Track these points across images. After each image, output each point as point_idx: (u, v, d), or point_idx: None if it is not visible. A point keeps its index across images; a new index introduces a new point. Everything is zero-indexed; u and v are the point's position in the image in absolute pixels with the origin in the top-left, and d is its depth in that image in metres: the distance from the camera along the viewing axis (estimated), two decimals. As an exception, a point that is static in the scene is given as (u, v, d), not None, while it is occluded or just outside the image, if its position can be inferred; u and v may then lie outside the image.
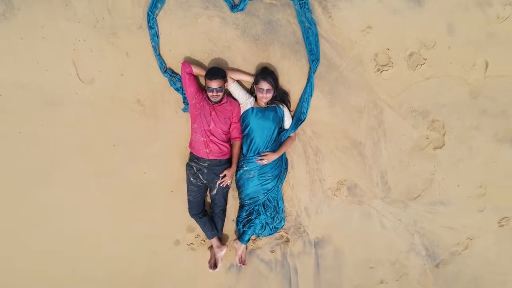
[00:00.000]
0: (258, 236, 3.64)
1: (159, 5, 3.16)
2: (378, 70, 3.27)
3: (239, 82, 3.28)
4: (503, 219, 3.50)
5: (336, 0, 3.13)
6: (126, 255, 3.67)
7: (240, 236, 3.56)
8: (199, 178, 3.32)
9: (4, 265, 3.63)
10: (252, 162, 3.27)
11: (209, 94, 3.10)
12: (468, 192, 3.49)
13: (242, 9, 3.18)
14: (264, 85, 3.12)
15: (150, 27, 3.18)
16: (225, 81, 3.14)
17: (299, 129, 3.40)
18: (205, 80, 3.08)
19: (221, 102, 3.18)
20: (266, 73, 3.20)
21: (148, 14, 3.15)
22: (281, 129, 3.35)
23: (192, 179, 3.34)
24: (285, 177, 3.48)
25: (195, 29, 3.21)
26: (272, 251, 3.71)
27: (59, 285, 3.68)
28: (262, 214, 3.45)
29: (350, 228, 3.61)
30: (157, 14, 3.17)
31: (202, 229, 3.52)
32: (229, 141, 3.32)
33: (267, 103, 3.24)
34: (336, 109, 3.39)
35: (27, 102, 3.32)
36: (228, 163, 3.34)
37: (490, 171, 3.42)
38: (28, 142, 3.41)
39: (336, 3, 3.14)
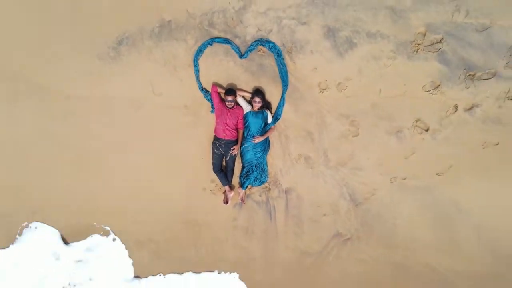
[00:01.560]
0: (252, 185, 6.20)
1: (200, 54, 5.75)
2: (321, 91, 5.83)
3: (243, 97, 5.85)
4: (392, 178, 6.05)
5: (297, 53, 5.69)
6: (172, 196, 6.26)
7: (241, 185, 6.12)
8: (219, 149, 5.89)
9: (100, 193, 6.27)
10: (249, 141, 5.82)
11: (226, 103, 5.67)
12: (373, 162, 6.04)
13: (246, 57, 5.75)
14: (257, 99, 5.68)
15: (194, 65, 5.77)
16: (235, 96, 5.71)
17: (276, 124, 5.95)
18: (224, 95, 5.65)
19: (233, 108, 5.75)
20: (258, 92, 5.76)
21: (194, 59, 5.75)
22: (266, 123, 5.92)
23: (215, 150, 5.91)
24: (268, 151, 6.02)
25: (219, 67, 5.78)
26: (260, 196, 6.27)
27: (134, 212, 6.31)
28: (254, 172, 5.99)
29: (306, 182, 6.17)
30: (199, 58, 5.77)
31: (220, 180, 6.08)
32: (236, 129, 5.88)
33: (258, 109, 5.80)
34: (298, 113, 5.94)
35: (122, 105, 5.94)
36: (236, 142, 5.90)
37: (384, 150, 5.97)
38: (121, 126, 6.03)
39: (297, 55, 5.70)
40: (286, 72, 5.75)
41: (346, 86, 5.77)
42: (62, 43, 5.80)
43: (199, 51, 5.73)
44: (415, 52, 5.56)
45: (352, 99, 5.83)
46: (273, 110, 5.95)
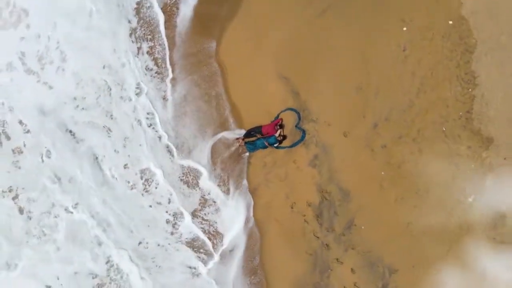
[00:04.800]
0: (247, 148, 14.51)
1: (290, 110, 14.05)
2: (293, 162, 14.13)
3: (281, 131, 14.00)
4: (292, 206, 14.39)
5: (304, 146, 14.01)
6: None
7: (245, 143, 14.42)
8: (255, 130, 14.05)
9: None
10: (263, 140, 14.08)
11: (276, 126, 13.92)
12: (283, 195, 14.39)
13: (296, 127, 14.04)
14: (283, 137, 13.95)
15: (285, 110, 14.10)
16: (281, 128, 13.91)
17: (275, 149, 14.30)
18: (279, 124, 13.92)
19: (275, 129, 13.93)
20: (285, 136, 14.03)
21: (288, 108, 14.06)
22: (274, 143, 14.14)
23: (254, 127, 14.11)
24: (264, 148, 14.23)
25: (288, 119, 14.11)
26: (245, 154, 14.67)
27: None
28: (251, 146, 14.20)
29: (258, 169, 14.53)
30: (287, 110, 14.12)
31: (243, 134, 14.44)
32: (267, 133, 14.08)
33: (279, 139, 14.08)
34: (284, 155, 14.21)
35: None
36: (261, 134, 14.17)
37: (278, 198, 14.32)
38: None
39: (303, 147, 14.02)
40: (297, 143, 14.03)
41: (301, 170, 14.08)
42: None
43: (291, 109, 13.99)
44: (325, 199, 13.84)
45: (296, 177, 14.13)
46: (282, 144, 14.25)
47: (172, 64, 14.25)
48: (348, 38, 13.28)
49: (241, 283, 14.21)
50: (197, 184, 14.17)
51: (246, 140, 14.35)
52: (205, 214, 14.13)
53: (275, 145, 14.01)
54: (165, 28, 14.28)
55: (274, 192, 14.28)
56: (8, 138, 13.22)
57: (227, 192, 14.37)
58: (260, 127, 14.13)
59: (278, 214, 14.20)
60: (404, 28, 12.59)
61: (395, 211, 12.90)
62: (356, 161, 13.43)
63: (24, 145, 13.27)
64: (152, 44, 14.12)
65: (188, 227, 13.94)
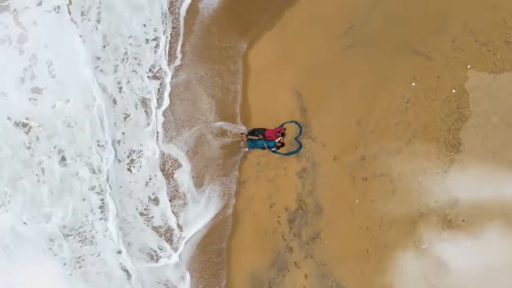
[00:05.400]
0: (247, 144, 15.79)
1: (294, 122, 15.33)
2: (283, 168, 15.54)
3: (281, 138, 15.28)
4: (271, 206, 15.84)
5: (298, 157, 15.43)
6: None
7: (247, 141, 15.69)
8: (259, 131, 15.40)
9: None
10: (263, 141, 15.42)
11: (278, 133, 15.23)
12: (266, 197, 15.82)
13: (296, 139, 15.39)
14: (281, 144, 15.27)
15: (289, 121, 15.38)
16: (282, 136, 15.22)
17: (272, 153, 15.64)
18: (282, 132, 15.22)
19: (277, 135, 15.23)
20: (283, 144, 15.38)
21: (292, 121, 15.34)
22: (273, 147, 15.45)
23: (259, 128, 15.45)
24: (262, 148, 15.57)
25: (290, 129, 15.43)
26: (243, 149, 15.93)
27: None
28: (252, 143, 15.50)
29: (251, 163, 15.86)
30: (292, 123, 15.40)
31: (247, 132, 15.71)
32: (268, 137, 15.34)
33: (278, 145, 15.36)
34: (280, 160, 15.61)
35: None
36: (264, 136, 15.46)
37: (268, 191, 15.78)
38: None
39: (296, 157, 15.44)
40: (292, 153, 15.40)
41: (288, 177, 15.51)
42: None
43: (295, 122, 15.28)
44: (300, 208, 15.38)
45: (282, 182, 15.56)
46: (279, 150, 15.58)
47: (183, 51, 15.09)
48: (362, 76, 14.57)
49: (199, 261, 15.39)
50: (172, 174, 14.98)
51: (249, 137, 15.61)
52: (173, 206, 14.97)
53: (273, 149, 15.37)
54: (186, 13, 15.02)
55: (259, 189, 15.70)
56: (33, 76, 13.98)
57: (200, 185, 15.13)
58: (264, 129, 15.45)
59: (257, 209, 15.65)
60: (413, 84, 13.96)
61: (358, 237, 14.58)
62: (337, 184, 14.96)
63: (45, 87, 14.04)
64: (167, 28, 14.87)
65: (160, 212, 14.81)
